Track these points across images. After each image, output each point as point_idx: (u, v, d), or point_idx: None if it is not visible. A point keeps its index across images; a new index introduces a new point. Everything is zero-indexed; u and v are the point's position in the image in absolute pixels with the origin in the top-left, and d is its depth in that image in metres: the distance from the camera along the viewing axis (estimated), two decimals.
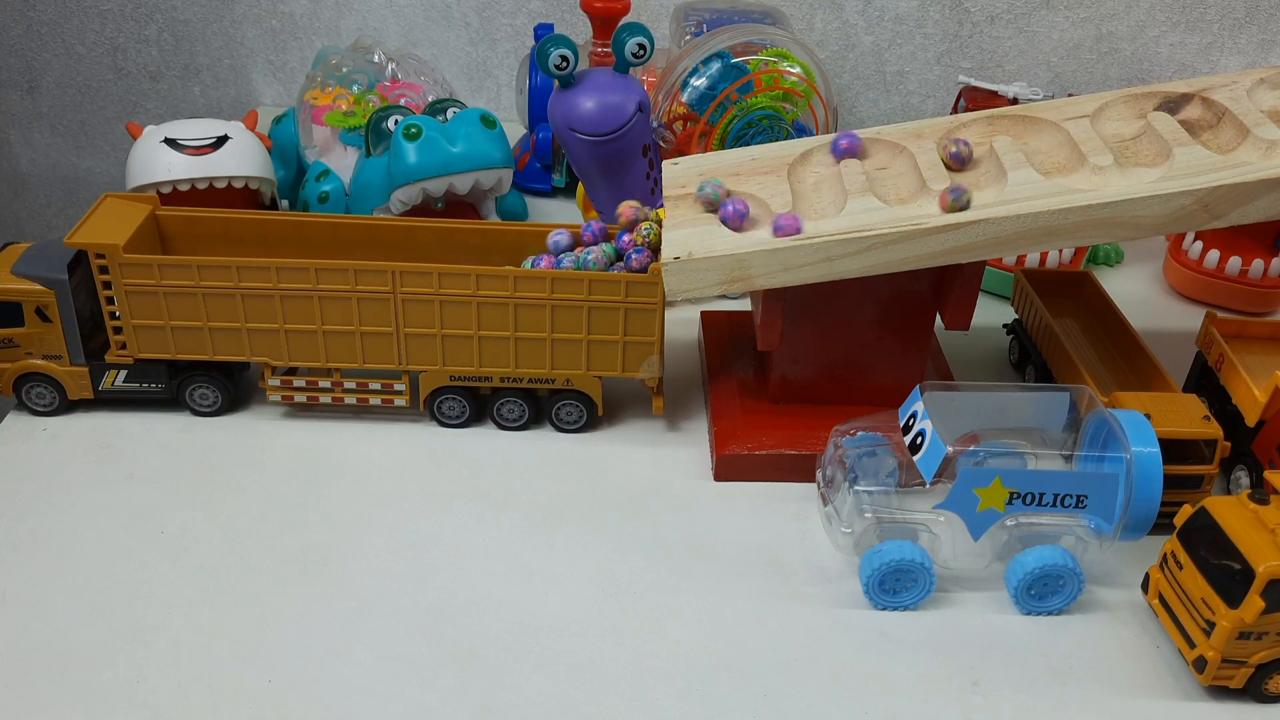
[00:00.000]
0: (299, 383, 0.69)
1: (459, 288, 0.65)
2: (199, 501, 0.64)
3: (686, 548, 0.62)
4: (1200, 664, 0.53)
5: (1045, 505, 0.56)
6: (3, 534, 0.60)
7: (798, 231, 0.60)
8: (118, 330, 0.67)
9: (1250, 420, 0.65)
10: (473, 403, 0.70)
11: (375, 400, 0.70)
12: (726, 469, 0.67)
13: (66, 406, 0.70)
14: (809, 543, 0.63)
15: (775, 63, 0.92)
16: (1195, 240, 0.91)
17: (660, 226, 0.66)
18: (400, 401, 0.70)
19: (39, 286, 0.66)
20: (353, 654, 0.54)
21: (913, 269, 0.60)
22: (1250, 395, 0.65)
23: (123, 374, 0.69)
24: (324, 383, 0.69)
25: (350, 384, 0.69)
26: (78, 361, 0.68)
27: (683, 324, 0.83)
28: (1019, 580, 0.57)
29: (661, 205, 0.66)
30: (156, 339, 0.67)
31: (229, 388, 0.70)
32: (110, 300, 0.66)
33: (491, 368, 0.68)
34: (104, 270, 0.65)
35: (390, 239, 0.72)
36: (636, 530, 0.63)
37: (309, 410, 0.71)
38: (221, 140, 0.78)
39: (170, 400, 0.70)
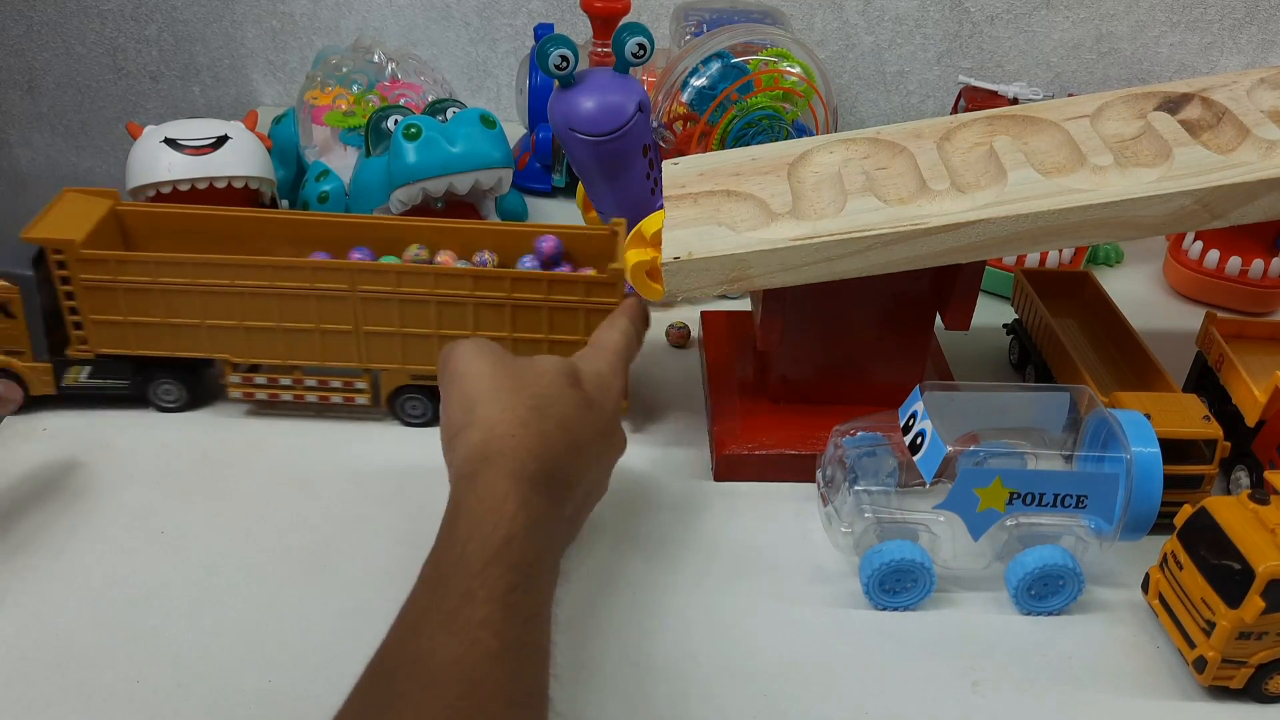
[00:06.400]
0: (260, 380, 0.69)
1: (417, 286, 0.65)
2: (199, 501, 0.64)
3: (686, 548, 0.62)
4: (1200, 664, 0.53)
5: (1045, 505, 0.56)
6: (2, 534, 0.60)
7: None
8: (78, 326, 0.67)
9: (1250, 420, 0.65)
10: (435, 402, 0.70)
11: (337, 399, 0.70)
12: (726, 469, 0.67)
13: (30, 403, 0.70)
14: (809, 543, 0.63)
15: (775, 63, 0.92)
16: (1195, 240, 0.91)
17: None
18: (362, 400, 0.70)
19: (3, 282, 0.66)
20: (353, 654, 0.54)
21: (913, 269, 0.60)
22: (1250, 395, 0.65)
23: (86, 370, 0.69)
24: (285, 380, 0.69)
25: (311, 381, 0.69)
26: (41, 357, 0.68)
27: None
28: (1019, 580, 0.57)
29: (661, 206, 0.66)
30: (116, 335, 0.67)
31: (193, 384, 0.70)
32: (69, 295, 0.66)
33: None
34: (61, 265, 0.65)
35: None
36: (636, 530, 0.63)
37: (309, 411, 0.71)
38: (221, 140, 0.78)
39: (135, 397, 0.70)
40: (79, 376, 0.69)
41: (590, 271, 0.69)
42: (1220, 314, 0.73)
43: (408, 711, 0.38)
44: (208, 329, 0.67)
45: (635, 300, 0.63)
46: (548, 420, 0.50)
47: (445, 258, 0.70)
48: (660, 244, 0.62)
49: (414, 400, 0.70)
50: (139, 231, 0.71)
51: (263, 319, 0.67)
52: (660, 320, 0.83)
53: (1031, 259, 0.88)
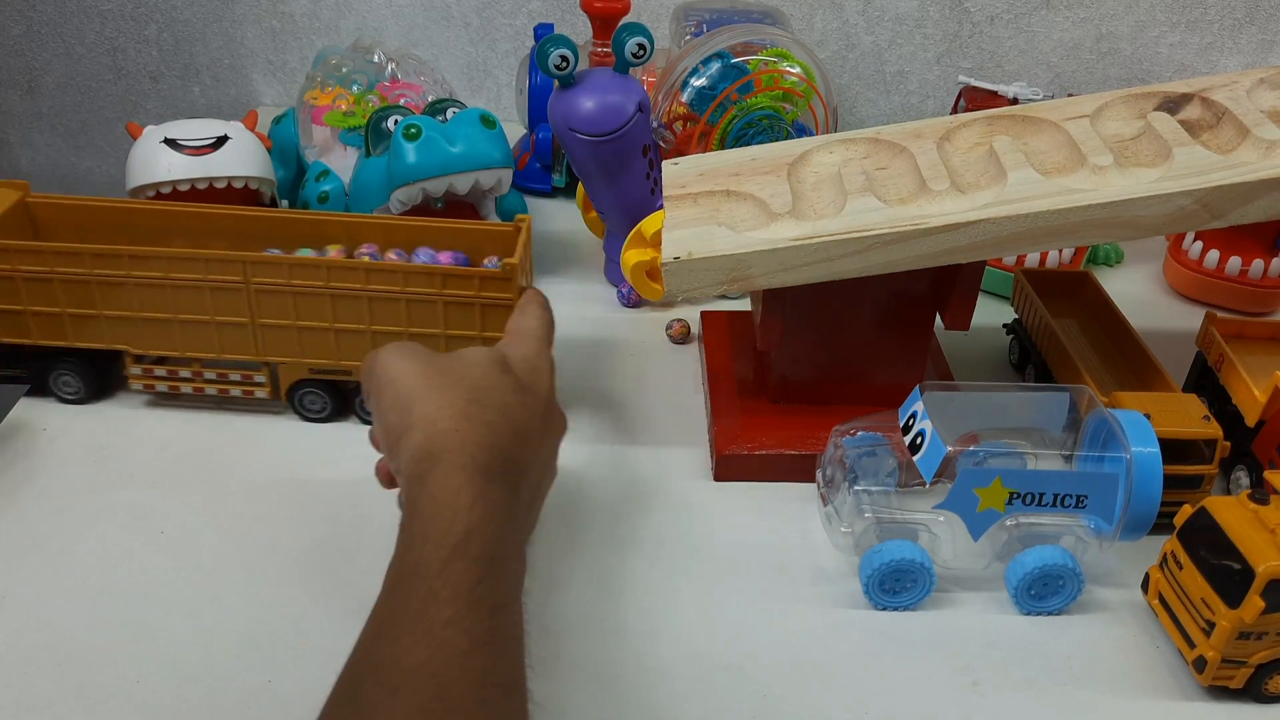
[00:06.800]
0: (160, 372, 0.69)
1: (311, 279, 0.65)
2: (199, 501, 0.64)
3: (686, 548, 0.62)
4: (1200, 664, 0.53)
5: (1045, 505, 0.56)
6: (3, 534, 0.60)
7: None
8: None
9: (1250, 420, 0.65)
10: (335, 396, 0.70)
11: (236, 392, 0.70)
12: (726, 469, 0.67)
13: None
14: (809, 543, 0.63)
15: (775, 63, 0.92)
16: (1195, 240, 0.91)
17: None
18: (261, 394, 0.70)
19: None
20: None
21: (913, 269, 0.60)
22: (1250, 395, 0.65)
23: None
24: (184, 372, 0.69)
25: (210, 374, 0.69)
26: None
27: None
28: (1019, 580, 0.57)
29: (661, 206, 0.66)
30: (16, 324, 0.68)
31: (92, 376, 0.70)
32: None
33: (351, 361, 0.68)
34: None
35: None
36: (636, 530, 0.63)
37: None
38: (221, 140, 0.78)
39: (36, 388, 0.70)
40: None
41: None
42: (1220, 314, 0.73)
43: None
44: (107, 320, 0.67)
45: (536, 290, 0.63)
46: (489, 409, 0.49)
47: (334, 253, 0.70)
48: (660, 244, 0.62)
49: (313, 394, 0.69)
50: (52, 223, 0.71)
51: (160, 310, 0.67)
52: (660, 320, 0.84)
53: (1031, 259, 0.88)
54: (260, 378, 0.69)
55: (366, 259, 0.67)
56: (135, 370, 0.69)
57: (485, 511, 0.45)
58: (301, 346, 0.67)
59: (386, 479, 0.56)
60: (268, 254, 0.67)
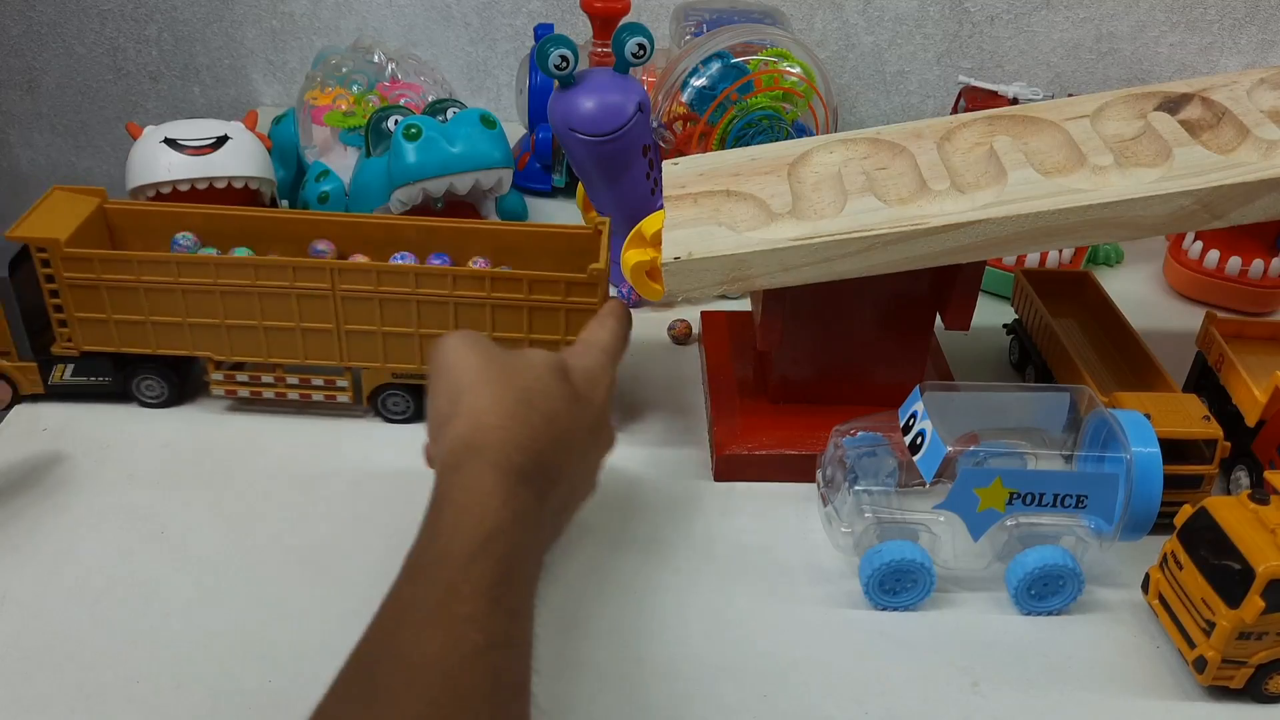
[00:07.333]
0: (242, 378, 0.69)
1: (398, 285, 0.65)
2: (199, 501, 0.64)
3: (686, 548, 0.62)
4: (1200, 664, 0.53)
5: (1045, 505, 0.56)
6: (3, 534, 0.60)
7: None
8: (63, 324, 0.67)
9: (1250, 420, 0.65)
10: (417, 399, 0.70)
11: (318, 397, 0.70)
12: (726, 469, 0.67)
13: (18, 400, 0.70)
14: (809, 543, 0.63)
15: (775, 63, 0.92)
16: (1195, 240, 0.91)
17: None
18: (343, 398, 0.70)
19: None
20: None
21: (913, 269, 0.60)
22: (1250, 395, 0.65)
23: (71, 368, 0.69)
24: (267, 378, 0.69)
25: (293, 379, 0.69)
26: (25, 356, 0.68)
27: None
28: (1019, 580, 0.57)
29: (661, 206, 0.66)
30: (100, 332, 0.68)
31: (175, 380, 0.70)
32: (54, 294, 0.66)
33: None
34: (46, 264, 0.65)
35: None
36: (637, 530, 0.63)
37: (309, 410, 0.71)
38: (221, 140, 0.78)
39: (119, 393, 0.70)
40: (64, 374, 0.69)
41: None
42: (1220, 314, 0.73)
43: (389, 706, 0.38)
44: (190, 327, 0.67)
45: (620, 302, 0.63)
46: (535, 412, 0.49)
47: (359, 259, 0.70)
48: (660, 244, 0.62)
49: (395, 397, 0.70)
50: (126, 229, 0.71)
51: (244, 318, 0.67)
52: (660, 320, 0.84)
53: (1031, 259, 0.88)
54: (343, 382, 0.69)
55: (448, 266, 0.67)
56: (217, 376, 0.69)
57: (513, 514, 0.45)
58: (385, 352, 0.67)
59: (430, 462, 0.55)
60: (356, 260, 0.67)
